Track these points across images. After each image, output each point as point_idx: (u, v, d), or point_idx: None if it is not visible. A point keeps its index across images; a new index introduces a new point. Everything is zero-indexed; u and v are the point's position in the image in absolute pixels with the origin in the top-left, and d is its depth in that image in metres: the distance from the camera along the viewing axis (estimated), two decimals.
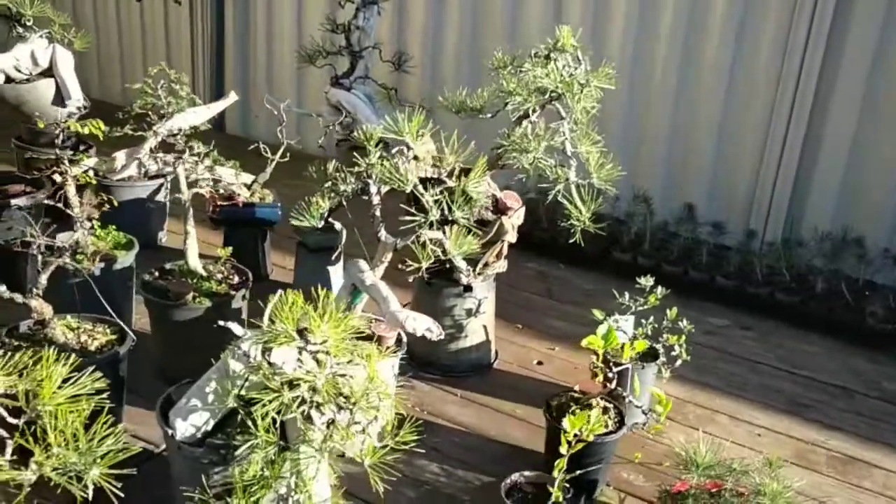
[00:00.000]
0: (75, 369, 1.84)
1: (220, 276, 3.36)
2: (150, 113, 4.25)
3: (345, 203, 2.87)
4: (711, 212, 4.86)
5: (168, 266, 3.39)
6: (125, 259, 3.47)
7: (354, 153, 5.79)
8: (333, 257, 4.01)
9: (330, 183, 2.86)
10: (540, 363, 3.76)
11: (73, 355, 1.88)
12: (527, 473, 2.70)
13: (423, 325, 2.64)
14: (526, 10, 5.65)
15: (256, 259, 4.31)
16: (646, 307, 3.19)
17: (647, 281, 3.19)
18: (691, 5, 4.88)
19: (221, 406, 2.35)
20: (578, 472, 2.55)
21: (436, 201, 2.73)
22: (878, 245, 4.47)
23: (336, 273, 4.07)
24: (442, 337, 2.68)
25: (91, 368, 1.87)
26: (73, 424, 1.79)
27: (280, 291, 2.37)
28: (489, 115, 3.27)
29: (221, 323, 2.30)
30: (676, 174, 5.10)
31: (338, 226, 3.99)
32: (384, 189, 2.83)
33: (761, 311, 4.28)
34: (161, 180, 4.52)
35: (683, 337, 3.10)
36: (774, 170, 4.89)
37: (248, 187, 4.29)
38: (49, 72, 4.63)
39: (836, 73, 4.57)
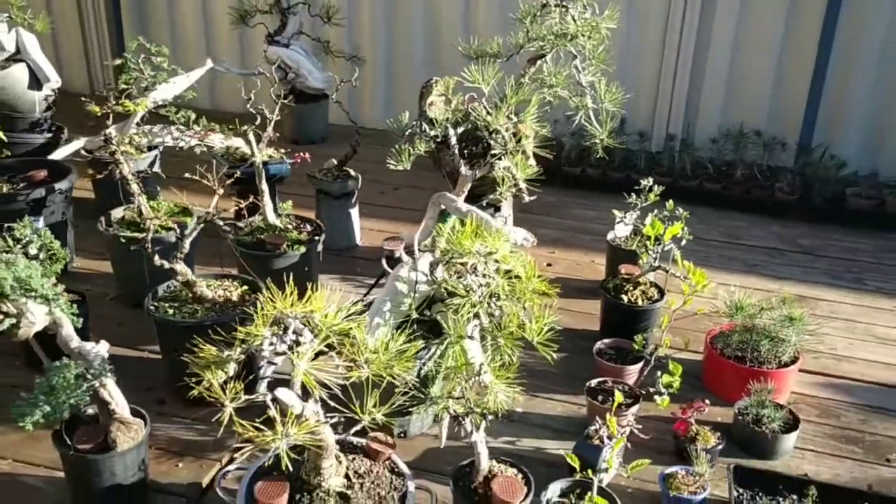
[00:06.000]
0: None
1: (290, 227, 3.77)
2: (132, 87, 4.44)
3: (433, 146, 3.38)
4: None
5: (241, 224, 3.75)
6: (192, 224, 3.78)
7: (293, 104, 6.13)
8: (353, 200, 4.48)
9: (411, 130, 3.35)
10: (549, 265, 4.49)
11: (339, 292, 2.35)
12: (606, 341, 3.44)
13: (521, 235, 3.28)
14: None
15: None
16: (647, 203, 3.98)
17: (646, 182, 3.97)
18: None
19: (398, 319, 2.88)
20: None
21: (503, 139, 3.33)
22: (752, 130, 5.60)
23: (355, 214, 4.55)
24: (535, 244, 3.34)
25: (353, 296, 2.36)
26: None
27: (453, 217, 2.93)
28: (505, 59, 3.84)
29: (405, 256, 2.82)
30: None
31: (353, 172, 4.45)
32: (459, 131, 3.39)
33: (693, 200, 5.21)
34: (155, 152, 4.69)
35: (682, 224, 3.90)
36: (670, 82, 5.85)
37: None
38: (16, 57, 4.63)
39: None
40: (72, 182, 4.02)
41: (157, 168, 4.75)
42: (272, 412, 2.00)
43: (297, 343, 2.11)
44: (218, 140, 4.52)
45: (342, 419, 2.14)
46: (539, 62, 3.79)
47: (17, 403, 2.39)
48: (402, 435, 3.04)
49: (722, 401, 3.28)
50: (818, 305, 4.17)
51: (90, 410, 2.60)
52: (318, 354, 2.18)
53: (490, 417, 2.50)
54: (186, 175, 3.18)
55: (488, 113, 3.27)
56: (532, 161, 4.03)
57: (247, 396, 2.04)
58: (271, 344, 2.11)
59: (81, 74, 7.24)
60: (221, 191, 3.16)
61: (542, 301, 2.76)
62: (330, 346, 2.23)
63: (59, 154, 4.42)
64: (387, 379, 2.19)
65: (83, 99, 3.89)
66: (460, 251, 2.74)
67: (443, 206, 3.44)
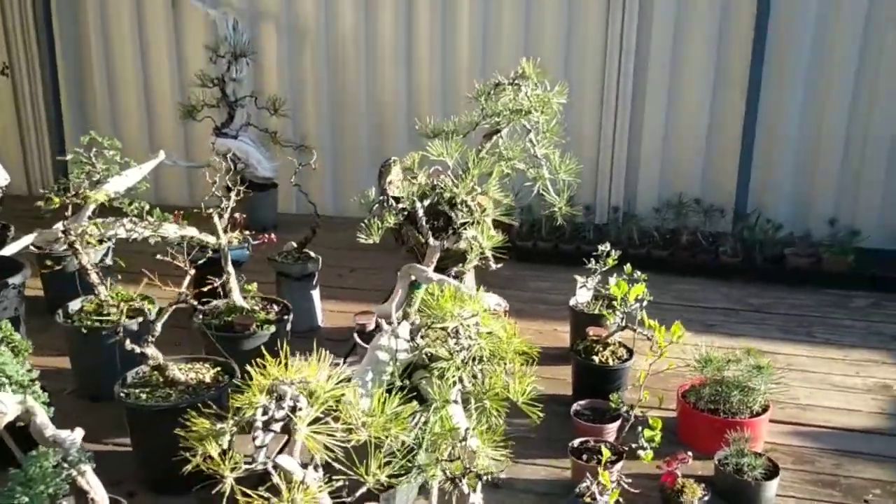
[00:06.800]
0: None
1: (257, 308, 3.74)
2: (83, 181, 4.40)
3: (401, 218, 3.44)
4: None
5: (206, 309, 3.70)
6: (153, 310, 3.71)
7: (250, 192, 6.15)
8: (314, 282, 4.47)
9: (379, 204, 3.41)
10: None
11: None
12: (581, 402, 3.47)
13: (493, 301, 3.32)
14: (378, 49, 6.38)
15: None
16: (606, 268, 4.10)
17: (604, 247, 4.10)
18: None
19: (381, 388, 2.85)
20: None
21: (469, 209, 3.42)
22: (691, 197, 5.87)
23: (317, 296, 4.53)
24: (507, 309, 3.38)
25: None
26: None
27: (424, 287, 2.96)
28: (462, 136, 3.97)
29: (385, 325, 2.82)
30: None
31: (313, 254, 4.46)
32: (426, 203, 3.46)
33: (642, 267, 5.34)
34: (107, 245, 4.62)
35: (644, 285, 4.00)
36: (609, 158, 6.11)
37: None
38: None
39: (646, 75, 5.93)
40: (25, 277, 3.93)
41: (108, 260, 4.67)
42: (276, 479, 1.95)
43: (295, 409, 2.08)
44: (172, 230, 4.48)
45: (346, 482, 2.10)
46: (495, 137, 3.93)
47: None
48: None
49: (699, 453, 3.31)
50: (775, 359, 4.27)
51: (64, 503, 2.47)
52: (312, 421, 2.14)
53: (484, 478, 2.48)
54: (158, 256, 3.14)
55: (454, 184, 3.36)
56: (493, 232, 4.13)
57: (247, 466, 1.98)
58: (266, 412, 2.07)
59: (19, 175, 7.12)
60: (193, 271, 3.13)
61: (523, 361, 2.79)
62: (325, 412, 2.20)
63: (9, 250, 4.32)
64: (386, 442, 2.17)
65: (42, 190, 3.85)
66: (441, 315, 2.77)
67: (413, 277, 3.47)
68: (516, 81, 3.81)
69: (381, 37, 6.39)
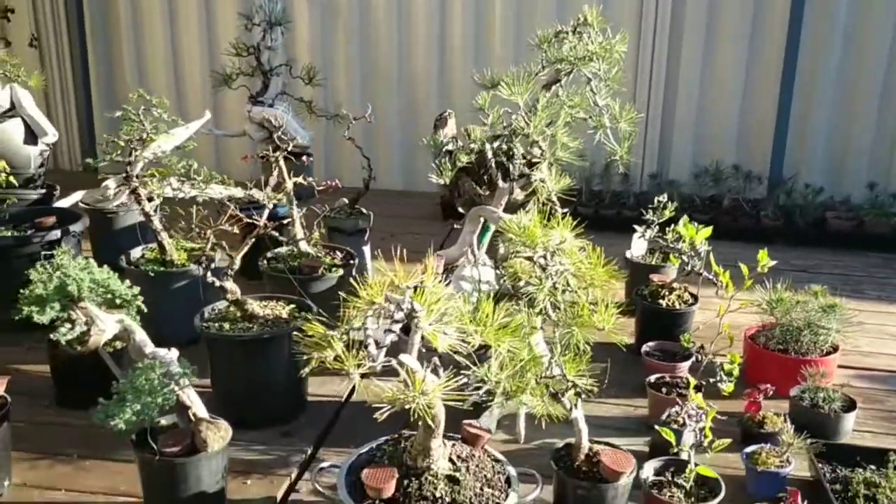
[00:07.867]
0: None
1: (321, 254, 3.73)
2: (132, 139, 4.39)
3: (473, 160, 3.43)
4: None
5: (269, 255, 3.69)
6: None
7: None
8: (366, 237, 4.46)
9: (450, 145, 3.41)
10: None
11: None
12: (650, 344, 3.47)
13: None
14: (412, 28, 6.40)
15: None
16: (663, 219, 4.09)
17: (661, 199, 4.09)
18: None
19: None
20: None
21: (540, 149, 3.42)
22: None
23: (368, 251, 4.53)
24: None
25: None
26: None
27: (493, 228, 2.96)
28: (526, 83, 3.95)
29: (469, 255, 2.82)
30: None
31: (365, 210, 4.45)
32: (496, 145, 3.46)
33: None
34: (156, 202, 4.60)
35: (706, 235, 3.98)
36: (644, 125, 6.12)
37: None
38: (10, 112, 4.54)
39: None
40: (84, 225, 3.91)
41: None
42: (402, 374, 1.95)
43: (413, 311, 2.08)
44: (218, 190, 4.47)
45: (469, 380, 2.10)
46: (554, 87, 3.93)
47: (98, 409, 2.26)
48: None
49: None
50: None
51: (163, 421, 2.47)
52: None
53: (583, 396, 2.48)
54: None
55: (526, 123, 3.36)
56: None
57: (370, 364, 1.98)
58: (380, 314, 2.07)
59: None
60: (271, 205, 3.12)
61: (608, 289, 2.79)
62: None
63: (63, 202, 4.32)
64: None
65: (88, 160, 3.86)
66: (531, 243, 2.76)
67: (482, 220, 3.47)
68: (578, 29, 3.82)
69: (415, 17, 6.40)
